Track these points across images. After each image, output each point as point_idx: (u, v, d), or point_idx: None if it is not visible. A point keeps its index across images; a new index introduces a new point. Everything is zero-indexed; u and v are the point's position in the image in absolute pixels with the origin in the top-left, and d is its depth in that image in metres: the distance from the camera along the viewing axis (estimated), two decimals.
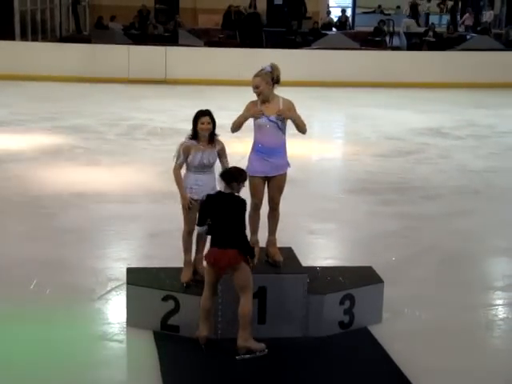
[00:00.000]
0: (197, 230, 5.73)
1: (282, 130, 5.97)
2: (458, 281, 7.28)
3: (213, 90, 18.43)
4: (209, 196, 5.66)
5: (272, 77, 5.92)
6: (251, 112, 5.93)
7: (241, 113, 6.05)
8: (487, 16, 29.06)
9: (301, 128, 6.02)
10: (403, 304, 6.62)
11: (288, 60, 19.41)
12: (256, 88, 5.91)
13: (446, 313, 6.55)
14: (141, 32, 23.31)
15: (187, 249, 6.04)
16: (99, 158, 11.74)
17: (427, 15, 32.68)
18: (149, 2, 26.02)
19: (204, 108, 5.98)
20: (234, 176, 5.53)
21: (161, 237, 8.11)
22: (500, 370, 5.67)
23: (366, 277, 6.31)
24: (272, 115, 5.92)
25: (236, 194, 5.53)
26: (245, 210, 5.53)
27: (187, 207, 5.85)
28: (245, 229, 5.52)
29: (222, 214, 5.50)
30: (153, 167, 11.11)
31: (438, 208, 9.66)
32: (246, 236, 5.55)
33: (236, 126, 5.99)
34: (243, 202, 5.53)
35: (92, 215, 8.93)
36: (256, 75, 5.93)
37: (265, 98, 5.93)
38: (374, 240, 8.10)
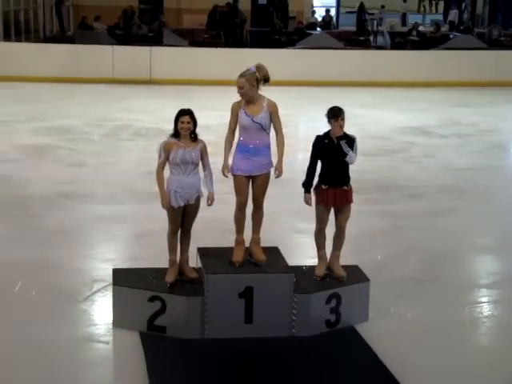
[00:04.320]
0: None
1: (266, 130, 5.97)
2: (443, 279, 7.30)
3: (198, 90, 18.40)
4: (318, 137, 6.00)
5: (257, 77, 5.90)
6: (223, 168, 5.92)
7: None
8: (452, 15, 29.25)
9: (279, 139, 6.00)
10: (389, 303, 6.63)
11: (273, 60, 19.27)
12: (240, 89, 5.91)
13: (431, 311, 6.57)
14: (125, 32, 23.22)
15: (172, 249, 6.03)
16: (84, 159, 11.69)
17: (404, 15, 32.81)
18: (133, 2, 25.92)
19: (187, 107, 5.94)
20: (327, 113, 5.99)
21: (146, 237, 8.09)
22: (486, 367, 5.69)
23: (352, 275, 6.31)
24: (256, 116, 5.90)
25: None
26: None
27: (166, 208, 5.84)
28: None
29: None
30: (138, 168, 11.07)
31: (423, 206, 9.69)
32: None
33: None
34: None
35: (77, 216, 8.89)
36: (240, 76, 5.92)
37: (249, 98, 5.92)
38: (360, 239, 8.11)
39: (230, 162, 5.99)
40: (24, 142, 12.79)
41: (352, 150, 6.04)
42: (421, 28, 26.31)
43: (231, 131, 6.02)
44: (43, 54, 19.63)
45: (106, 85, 18.90)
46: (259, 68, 5.94)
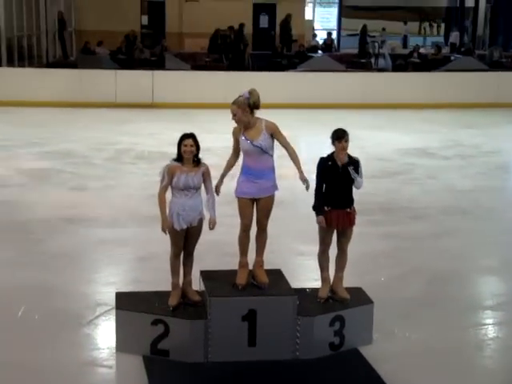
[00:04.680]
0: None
1: (268, 152, 5.98)
2: (447, 300, 7.28)
3: (200, 113, 18.46)
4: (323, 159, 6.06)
5: (249, 103, 5.92)
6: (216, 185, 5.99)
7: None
8: (453, 37, 29.37)
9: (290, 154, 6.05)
10: (393, 324, 6.61)
11: (274, 82, 19.57)
12: (233, 116, 5.95)
13: (435, 333, 6.54)
14: (127, 56, 23.36)
15: (175, 272, 6.03)
16: (87, 183, 11.71)
17: (405, 37, 32.96)
18: (135, 27, 26.12)
19: (190, 131, 5.98)
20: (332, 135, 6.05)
21: (149, 260, 8.08)
22: None
23: (355, 298, 6.30)
24: (255, 140, 5.93)
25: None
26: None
27: (167, 231, 5.84)
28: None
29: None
30: (140, 191, 11.08)
31: (426, 228, 9.68)
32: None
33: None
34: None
35: (80, 240, 8.89)
36: (233, 103, 5.96)
37: (245, 124, 5.95)
38: (363, 261, 8.10)
39: (234, 184, 6.01)
40: (26, 166, 12.82)
41: (357, 173, 6.06)
42: (422, 50, 26.44)
43: (234, 153, 6.09)
44: (46, 78, 19.73)
45: (108, 109, 18.97)
46: (251, 93, 5.96)
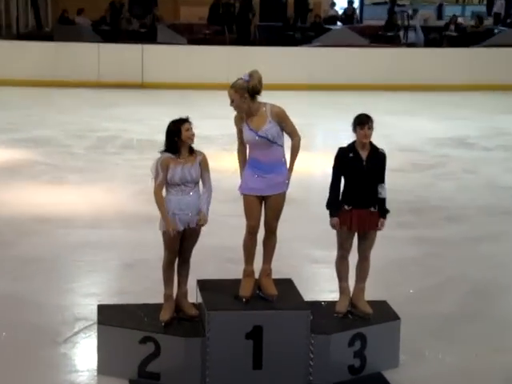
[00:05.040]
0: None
1: (277, 142, 5.99)
2: (487, 317, 7.29)
3: (198, 95, 18.49)
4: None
5: (247, 88, 5.93)
6: None
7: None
8: (497, 6, 29.28)
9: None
10: (423, 344, 6.62)
11: (285, 59, 19.59)
12: (231, 102, 5.96)
13: (473, 354, 6.55)
14: (113, 28, 23.41)
15: (168, 281, 6.04)
16: (65, 176, 11.74)
17: (440, 6, 32.89)
18: None
19: (185, 115, 5.98)
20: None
21: (137, 268, 8.10)
22: None
23: (379, 313, 6.31)
24: (260, 129, 5.94)
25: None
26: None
27: (172, 235, 5.86)
28: None
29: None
30: (128, 186, 11.11)
31: (463, 231, 9.69)
32: None
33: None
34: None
35: (56, 243, 8.92)
36: (231, 86, 5.97)
37: (245, 111, 5.95)
38: (389, 269, 8.11)
39: (238, 179, 6.03)
40: None
41: (383, 169, 6.09)
42: (460, 21, 26.41)
43: (242, 145, 6.07)
44: (16, 52, 19.79)
45: (90, 89, 19.01)
46: (251, 76, 5.97)
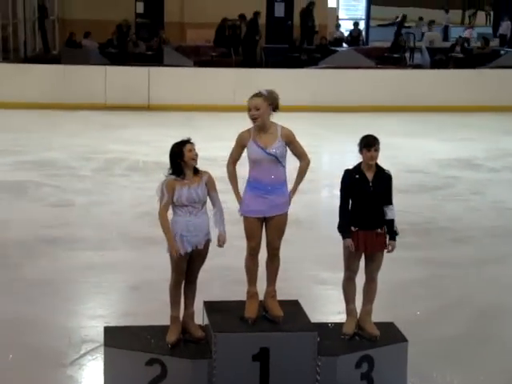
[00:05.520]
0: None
1: (282, 162, 6.00)
2: (495, 339, 7.26)
3: (204, 117, 18.53)
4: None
5: (273, 100, 5.98)
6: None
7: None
8: (503, 28, 29.34)
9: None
10: (431, 367, 6.60)
11: (291, 81, 19.64)
12: (256, 110, 5.91)
13: (482, 377, 6.52)
14: (120, 50, 23.50)
15: (175, 303, 6.04)
16: (71, 198, 11.76)
17: (446, 28, 33.00)
18: (129, 16, 26.25)
19: (188, 137, 5.98)
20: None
21: (144, 290, 8.10)
22: None
23: (386, 335, 6.29)
24: (269, 147, 5.94)
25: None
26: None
27: (176, 257, 5.86)
28: None
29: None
30: (134, 208, 11.12)
31: (471, 253, 9.66)
32: None
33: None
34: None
35: (63, 265, 8.92)
36: (256, 95, 5.96)
37: (262, 125, 5.95)
38: (396, 291, 8.09)
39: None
40: (0, 178, 12.89)
41: (390, 192, 6.09)
42: (467, 35, 26.41)
43: (233, 161, 6.05)
44: (24, 75, 19.85)
45: (96, 112, 19.07)
46: (271, 93, 6.00)
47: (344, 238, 6.10)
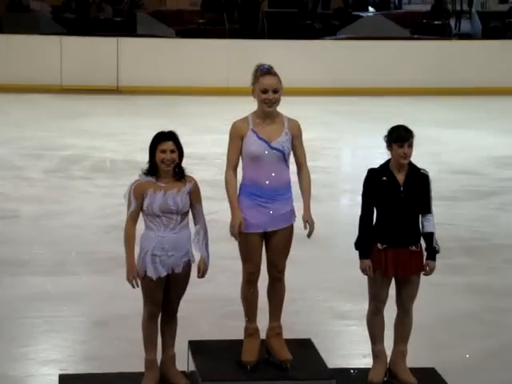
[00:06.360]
0: None
1: (287, 160, 6.01)
2: None
3: (189, 102, 18.54)
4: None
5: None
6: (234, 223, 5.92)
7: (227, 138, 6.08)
8: None
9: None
10: None
11: (302, 56, 19.67)
12: (274, 92, 5.92)
13: None
14: (79, 16, 23.54)
15: (149, 343, 6.04)
16: (17, 208, 11.76)
17: None
18: None
19: (169, 129, 5.98)
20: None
21: (111, 326, 8.10)
22: None
23: (425, 383, 6.31)
24: (274, 140, 5.95)
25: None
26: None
27: (131, 284, 5.86)
28: None
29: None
30: (99, 220, 11.12)
31: None
32: None
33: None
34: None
35: (6, 294, 8.93)
36: (269, 72, 5.94)
37: (272, 113, 5.97)
38: (438, 327, 8.08)
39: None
40: None
41: (429, 197, 6.11)
42: None
43: (232, 166, 6.02)
44: None
45: (50, 95, 19.08)
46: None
47: (361, 257, 6.09)
